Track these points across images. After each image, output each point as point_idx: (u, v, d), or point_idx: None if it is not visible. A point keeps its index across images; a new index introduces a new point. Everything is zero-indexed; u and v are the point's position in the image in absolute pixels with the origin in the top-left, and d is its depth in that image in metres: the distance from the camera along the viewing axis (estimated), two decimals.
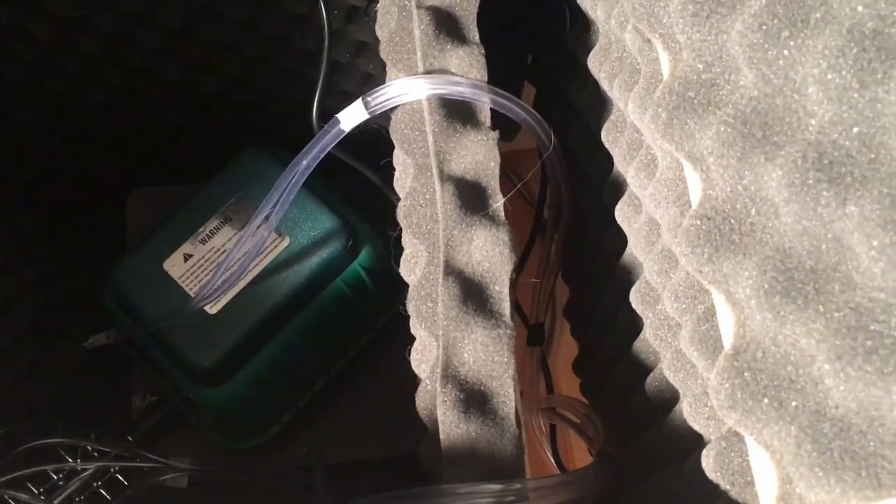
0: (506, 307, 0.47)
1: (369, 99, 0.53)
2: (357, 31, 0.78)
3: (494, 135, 0.50)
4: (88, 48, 0.78)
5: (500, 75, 0.52)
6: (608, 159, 0.55)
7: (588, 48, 0.58)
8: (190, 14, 0.77)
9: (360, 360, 0.91)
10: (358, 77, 0.85)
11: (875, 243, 0.26)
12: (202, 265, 0.81)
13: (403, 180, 0.55)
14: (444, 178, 0.50)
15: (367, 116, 0.54)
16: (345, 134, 0.55)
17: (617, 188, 0.55)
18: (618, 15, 0.47)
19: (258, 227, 0.65)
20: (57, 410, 0.94)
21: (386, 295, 0.87)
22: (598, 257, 0.62)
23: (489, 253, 0.48)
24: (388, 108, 0.53)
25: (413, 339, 0.51)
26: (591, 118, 0.60)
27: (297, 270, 0.80)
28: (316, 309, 0.83)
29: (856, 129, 0.28)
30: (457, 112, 0.51)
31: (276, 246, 0.82)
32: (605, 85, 0.54)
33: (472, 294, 0.47)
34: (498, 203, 0.49)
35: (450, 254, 0.49)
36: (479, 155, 0.49)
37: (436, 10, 0.54)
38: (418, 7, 0.54)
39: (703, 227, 0.33)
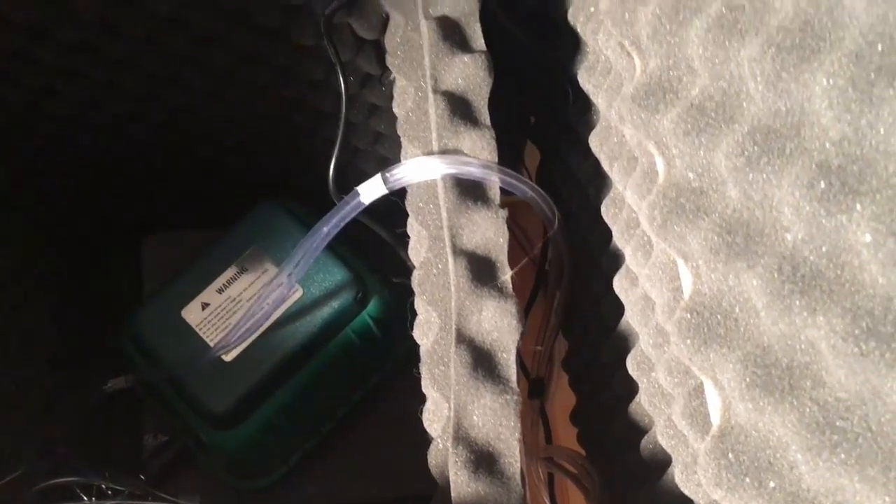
0: (512, 374, 0.51)
1: (388, 175, 0.58)
2: (371, 96, 0.83)
3: (504, 213, 0.54)
4: (114, 104, 0.83)
5: (502, 135, 0.57)
6: (607, 230, 0.60)
7: (589, 126, 0.62)
8: (213, 78, 0.81)
9: (365, 403, 0.95)
10: (369, 136, 0.90)
11: (839, 351, 0.30)
12: (219, 313, 0.86)
13: (418, 250, 0.59)
14: (457, 251, 0.54)
15: (386, 191, 0.58)
16: (364, 206, 0.59)
17: (616, 259, 0.60)
18: (618, 109, 0.52)
19: (279, 285, 0.69)
20: (71, 449, 0.98)
21: (391, 342, 0.91)
22: (596, 318, 0.66)
23: (498, 323, 0.52)
24: (405, 184, 0.58)
25: (421, 394, 0.55)
26: (592, 190, 0.64)
27: (309, 320, 0.84)
28: (326, 356, 0.87)
29: (824, 248, 0.32)
30: (469, 190, 0.56)
31: (289, 296, 0.86)
32: (605, 165, 0.58)
33: (482, 361, 0.51)
34: (506, 276, 0.53)
35: (461, 322, 0.53)
36: (489, 231, 0.54)
37: (450, 95, 0.58)
38: (434, 92, 0.58)
39: (693, 321, 0.37)
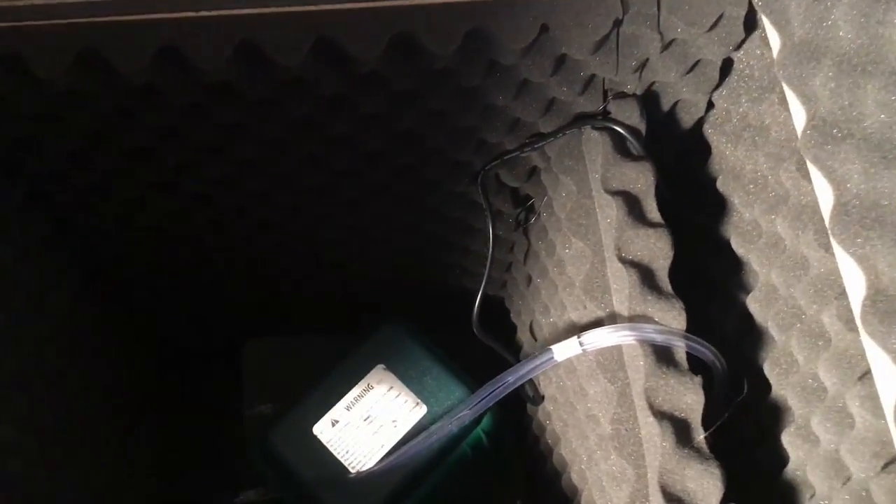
0: None
1: (583, 339, 0.64)
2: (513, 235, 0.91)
3: (698, 379, 0.61)
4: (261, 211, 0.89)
5: None
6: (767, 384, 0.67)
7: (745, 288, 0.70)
8: (351, 205, 0.88)
9: None
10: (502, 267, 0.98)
11: None
12: (349, 430, 0.90)
13: (604, 404, 0.65)
14: (656, 413, 0.61)
15: (580, 352, 0.65)
16: (555, 363, 0.66)
17: (778, 411, 0.67)
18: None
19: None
20: None
21: (501, 453, 0.97)
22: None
23: (702, 484, 0.58)
24: (598, 347, 0.64)
25: None
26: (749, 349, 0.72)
27: (432, 437, 0.89)
28: (444, 471, 0.92)
29: None
30: (661, 356, 0.62)
31: (414, 414, 0.91)
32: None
33: None
34: (700, 437, 0.60)
35: (665, 481, 0.59)
36: (686, 396, 0.60)
37: (636, 264, 0.65)
38: (621, 261, 0.65)
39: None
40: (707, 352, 0.64)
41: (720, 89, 0.71)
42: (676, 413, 0.61)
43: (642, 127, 0.70)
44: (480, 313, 0.85)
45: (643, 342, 0.63)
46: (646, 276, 0.65)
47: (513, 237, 0.96)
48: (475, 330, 0.86)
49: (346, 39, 0.61)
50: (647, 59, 0.68)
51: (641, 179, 0.68)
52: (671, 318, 0.63)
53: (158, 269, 0.99)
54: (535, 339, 0.95)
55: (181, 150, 0.74)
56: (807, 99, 0.54)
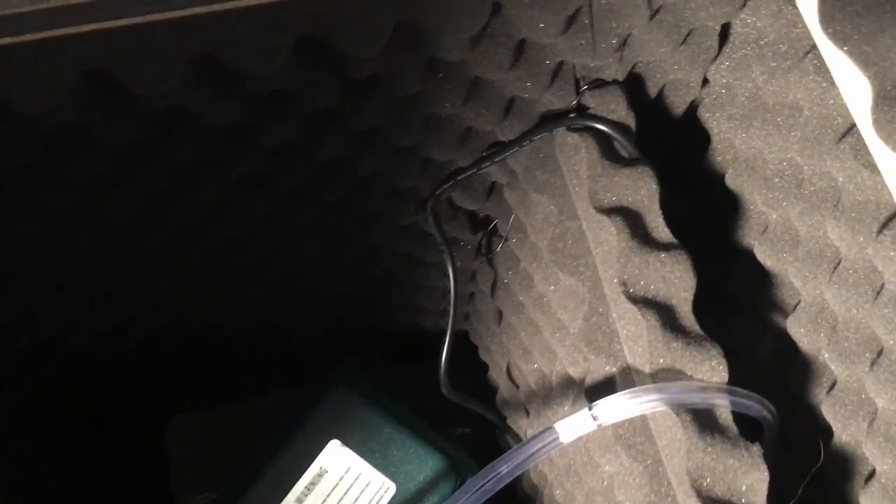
0: None
1: (597, 412, 0.48)
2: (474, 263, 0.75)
3: (756, 450, 0.46)
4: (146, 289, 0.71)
5: None
6: None
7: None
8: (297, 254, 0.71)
9: None
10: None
11: None
12: None
13: (631, 487, 0.50)
14: (708, 501, 0.45)
15: (594, 428, 0.49)
16: (561, 445, 0.50)
17: (847, 465, 0.52)
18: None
19: None
20: None
21: None
22: None
23: None
24: (618, 419, 0.49)
25: None
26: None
27: None
28: None
29: None
30: (704, 423, 0.47)
31: (382, 497, 0.74)
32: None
33: None
34: None
35: None
36: (746, 475, 0.45)
37: (651, 302, 0.50)
38: (631, 299, 0.50)
39: None
40: (759, 407, 0.49)
41: (718, 62, 0.56)
42: (735, 500, 0.45)
43: (631, 121, 0.55)
44: (449, 368, 0.69)
45: (677, 407, 0.47)
46: (666, 317, 0.49)
47: (474, 265, 0.80)
48: (444, 390, 0.70)
49: (234, 52, 0.44)
50: (630, 35, 0.53)
51: (641, 189, 0.52)
52: (708, 370, 0.48)
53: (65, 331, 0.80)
54: (517, 386, 0.79)
55: None
56: (871, 62, 0.39)
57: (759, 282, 0.59)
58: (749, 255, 0.59)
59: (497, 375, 0.90)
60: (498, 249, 0.72)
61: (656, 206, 0.53)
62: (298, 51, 0.46)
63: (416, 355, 0.96)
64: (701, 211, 0.63)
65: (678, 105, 0.61)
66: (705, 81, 0.59)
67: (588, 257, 0.54)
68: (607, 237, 0.52)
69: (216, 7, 0.42)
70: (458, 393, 0.70)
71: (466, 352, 0.96)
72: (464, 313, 0.94)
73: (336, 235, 0.68)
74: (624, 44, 0.54)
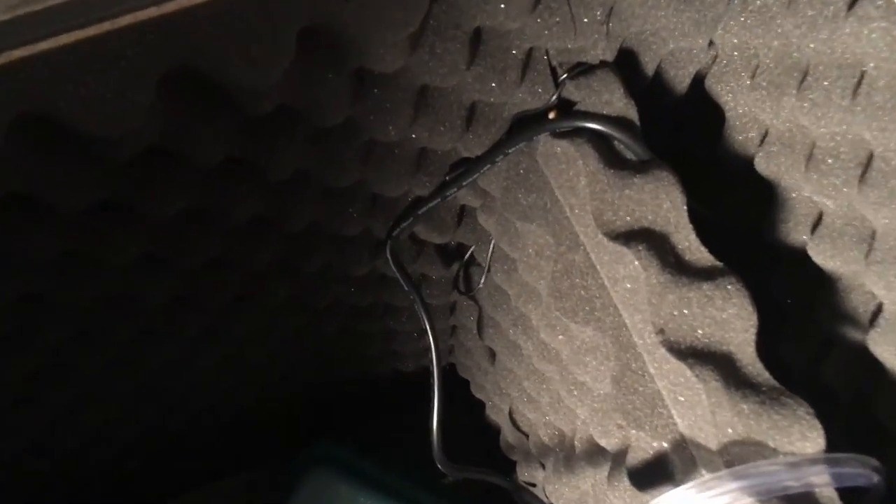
0: None
1: None
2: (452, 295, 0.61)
3: None
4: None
5: None
6: None
7: None
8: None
9: None
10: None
11: None
12: None
13: None
14: None
15: None
16: None
17: None
18: None
19: None
20: None
21: None
22: None
23: None
24: None
25: None
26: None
27: None
28: None
29: None
30: None
31: None
32: None
33: None
34: None
35: None
36: None
37: (702, 353, 0.37)
38: (674, 351, 0.37)
39: None
40: (868, 472, 0.36)
41: (728, 19, 0.43)
42: None
43: (632, 112, 0.42)
44: (442, 434, 0.56)
45: (764, 494, 0.34)
46: (726, 369, 0.36)
47: (452, 296, 0.66)
48: (440, 465, 0.57)
49: (74, 108, 0.30)
50: (617, 1, 0.39)
51: (663, 200, 0.39)
52: (796, 436, 0.35)
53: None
54: (525, 435, 0.66)
55: None
56: None
57: (817, 288, 0.46)
58: (803, 256, 0.46)
59: (496, 416, 0.77)
60: (480, 285, 0.59)
61: (685, 221, 0.40)
62: (170, 92, 0.32)
63: (401, 403, 0.84)
64: (726, 209, 0.50)
65: (680, 81, 0.48)
66: (711, 45, 0.46)
67: (604, 298, 0.41)
68: (628, 271, 0.39)
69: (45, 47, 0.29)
70: (456, 466, 0.57)
71: (455, 381, 0.83)
72: (448, 346, 0.81)
73: (277, 304, 0.54)
74: (609, 14, 0.40)
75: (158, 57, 0.33)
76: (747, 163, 0.48)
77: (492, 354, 0.66)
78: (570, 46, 0.40)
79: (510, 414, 0.68)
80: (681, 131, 0.52)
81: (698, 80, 0.48)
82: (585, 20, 0.38)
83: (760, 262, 0.49)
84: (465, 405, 0.81)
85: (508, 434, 0.71)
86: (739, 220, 0.50)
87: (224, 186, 0.40)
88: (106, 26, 0.33)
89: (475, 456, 0.77)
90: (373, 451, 0.75)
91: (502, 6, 0.35)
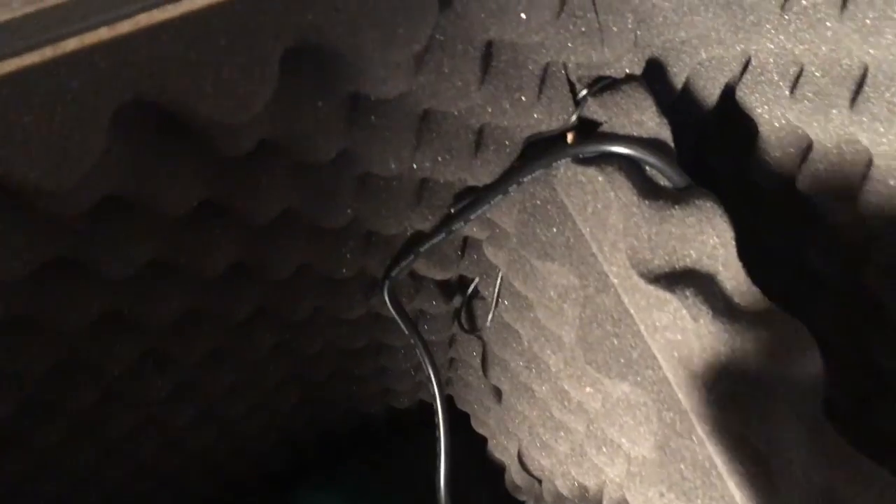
0: None
1: None
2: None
3: None
4: None
5: None
6: None
7: None
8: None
9: None
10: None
11: None
12: None
13: None
14: None
15: None
16: None
17: None
18: None
19: None
20: None
21: None
22: None
23: None
24: None
25: None
26: None
27: None
28: None
29: None
30: None
31: None
32: None
33: None
34: None
35: None
36: None
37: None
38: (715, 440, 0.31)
39: None
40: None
41: (764, 24, 0.38)
42: None
43: (665, 132, 0.36)
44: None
45: None
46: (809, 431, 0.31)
47: (451, 330, 0.60)
48: None
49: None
50: (652, 5, 0.34)
51: (709, 235, 0.34)
52: None
53: None
54: (537, 480, 0.60)
55: None
56: None
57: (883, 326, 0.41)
58: (848, 290, 0.41)
59: (501, 454, 0.71)
60: (488, 324, 0.53)
61: (734, 258, 0.34)
62: (127, 131, 0.26)
63: (394, 441, 0.78)
64: (764, 234, 0.45)
65: (709, 93, 0.42)
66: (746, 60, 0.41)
67: (641, 349, 0.36)
68: (670, 319, 0.34)
69: None
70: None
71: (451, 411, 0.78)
72: (445, 378, 0.75)
73: (260, 356, 0.48)
74: (638, 21, 0.35)
75: (112, 89, 0.27)
76: (786, 181, 0.43)
77: (497, 393, 0.61)
78: (593, 59, 0.35)
79: (519, 456, 0.62)
80: (704, 147, 0.47)
81: (726, 92, 0.43)
82: (614, 29, 0.33)
83: (805, 293, 0.44)
84: (465, 437, 0.75)
85: (516, 475, 0.66)
86: (779, 246, 0.44)
87: (195, 233, 0.34)
88: (47, 53, 0.28)
89: (477, 492, 0.72)
90: (359, 497, 0.70)
91: (522, 16, 0.29)
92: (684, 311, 0.33)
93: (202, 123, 0.27)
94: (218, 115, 0.27)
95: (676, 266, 0.34)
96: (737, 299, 0.34)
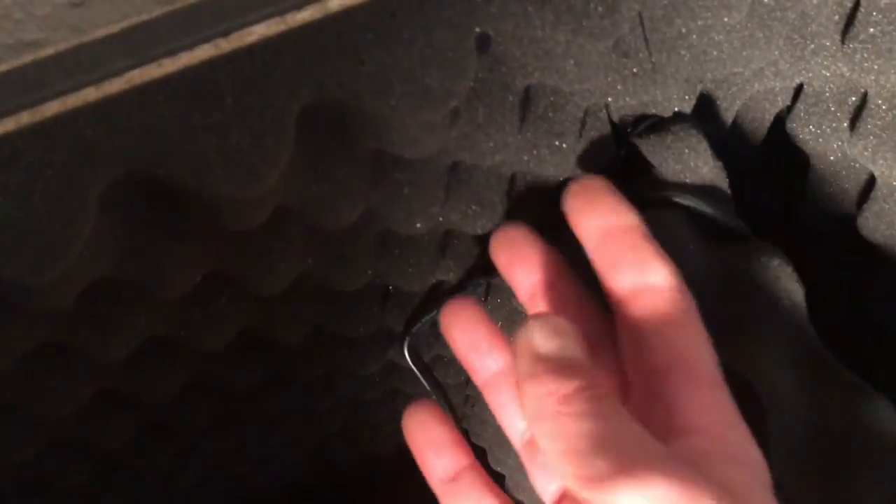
0: None
1: None
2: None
3: None
4: None
5: None
6: None
7: None
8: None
9: None
10: None
11: None
12: None
13: None
14: None
15: None
16: None
17: None
18: None
19: None
20: None
21: None
22: None
23: None
24: None
25: None
26: None
27: None
28: None
29: None
30: None
31: None
32: None
33: None
34: None
35: None
36: None
37: None
38: None
39: None
40: None
41: (826, 54, 0.34)
42: None
43: (722, 179, 0.32)
44: None
45: None
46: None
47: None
48: None
49: None
50: (708, 37, 0.30)
51: (781, 298, 0.30)
52: None
53: None
54: None
55: None
56: None
57: None
58: None
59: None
60: None
61: (806, 321, 0.30)
62: (120, 209, 0.22)
63: (405, 482, 0.74)
64: (819, 283, 0.41)
65: (757, 128, 0.39)
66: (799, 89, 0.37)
67: None
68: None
69: None
70: None
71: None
72: (461, 414, 0.71)
73: (267, 420, 0.44)
74: (693, 57, 0.31)
75: (101, 161, 0.23)
76: (843, 223, 0.39)
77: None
78: (644, 100, 0.31)
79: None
80: (746, 184, 0.43)
81: (774, 125, 0.40)
82: (670, 69, 0.29)
83: (862, 346, 0.41)
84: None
85: None
86: (833, 295, 0.41)
87: (198, 307, 0.30)
88: (23, 119, 0.24)
89: None
90: None
91: (571, 62, 0.25)
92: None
93: (207, 199, 0.23)
94: (226, 190, 0.23)
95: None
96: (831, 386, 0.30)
